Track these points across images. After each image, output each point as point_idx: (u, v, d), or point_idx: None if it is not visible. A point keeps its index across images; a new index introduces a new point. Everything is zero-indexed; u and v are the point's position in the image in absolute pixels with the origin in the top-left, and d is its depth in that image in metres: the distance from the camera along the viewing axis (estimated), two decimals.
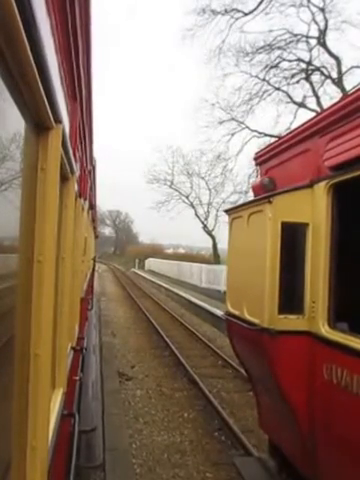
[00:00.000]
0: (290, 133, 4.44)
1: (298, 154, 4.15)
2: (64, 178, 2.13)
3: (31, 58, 0.96)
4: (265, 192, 4.12)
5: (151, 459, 6.12)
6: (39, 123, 1.36)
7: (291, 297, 3.75)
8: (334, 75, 27.65)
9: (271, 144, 4.99)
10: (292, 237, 3.77)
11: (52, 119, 1.39)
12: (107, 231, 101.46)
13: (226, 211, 5.30)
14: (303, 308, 3.70)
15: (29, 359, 1.50)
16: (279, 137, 4.61)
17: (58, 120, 1.46)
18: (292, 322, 3.69)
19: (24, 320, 1.47)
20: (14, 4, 0.77)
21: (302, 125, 4.11)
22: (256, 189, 4.48)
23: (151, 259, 57.53)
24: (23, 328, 1.46)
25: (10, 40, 0.87)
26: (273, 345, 3.74)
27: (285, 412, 3.94)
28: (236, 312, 4.56)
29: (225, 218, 5.31)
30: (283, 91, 29.95)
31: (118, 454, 5.85)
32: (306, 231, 3.73)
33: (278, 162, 4.58)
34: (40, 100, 1.19)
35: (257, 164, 5.29)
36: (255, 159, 5.30)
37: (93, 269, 16.32)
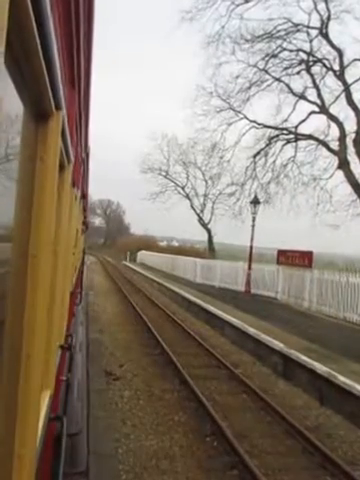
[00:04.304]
0: None
1: None
2: (61, 167, 2.11)
3: (38, 42, 0.94)
4: None
5: (138, 465, 6.12)
6: (40, 109, 1.33)
7: None
8: (336, 67, 27.70)
9: None
10: None
11: (53, 105, 1.36)
12: (97, 221, 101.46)
13: None
14: None
15: (20, 360, 1.48)
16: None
17: (59, 107, 1.43)
18: None
19: (16, 319, 1.45)
20: None
21: None
22: None
23: (143, 252, 57.65)
24: (15, 327, 1.44)
25: (18, 23, 0.85)
26: None
27: None
28: None
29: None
30: (283, 82, 29.96)
31: (103, 459, 5.87)
32: None
33: None
34: (43, 85, 1.16)
35: None
36: None
37: (82, 261, 16.31)
